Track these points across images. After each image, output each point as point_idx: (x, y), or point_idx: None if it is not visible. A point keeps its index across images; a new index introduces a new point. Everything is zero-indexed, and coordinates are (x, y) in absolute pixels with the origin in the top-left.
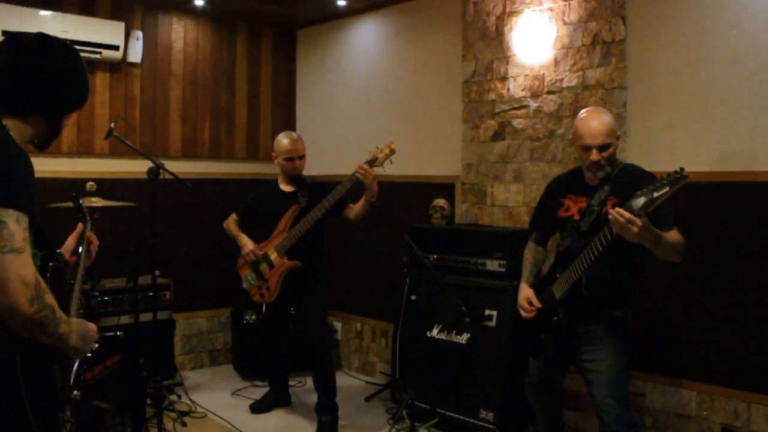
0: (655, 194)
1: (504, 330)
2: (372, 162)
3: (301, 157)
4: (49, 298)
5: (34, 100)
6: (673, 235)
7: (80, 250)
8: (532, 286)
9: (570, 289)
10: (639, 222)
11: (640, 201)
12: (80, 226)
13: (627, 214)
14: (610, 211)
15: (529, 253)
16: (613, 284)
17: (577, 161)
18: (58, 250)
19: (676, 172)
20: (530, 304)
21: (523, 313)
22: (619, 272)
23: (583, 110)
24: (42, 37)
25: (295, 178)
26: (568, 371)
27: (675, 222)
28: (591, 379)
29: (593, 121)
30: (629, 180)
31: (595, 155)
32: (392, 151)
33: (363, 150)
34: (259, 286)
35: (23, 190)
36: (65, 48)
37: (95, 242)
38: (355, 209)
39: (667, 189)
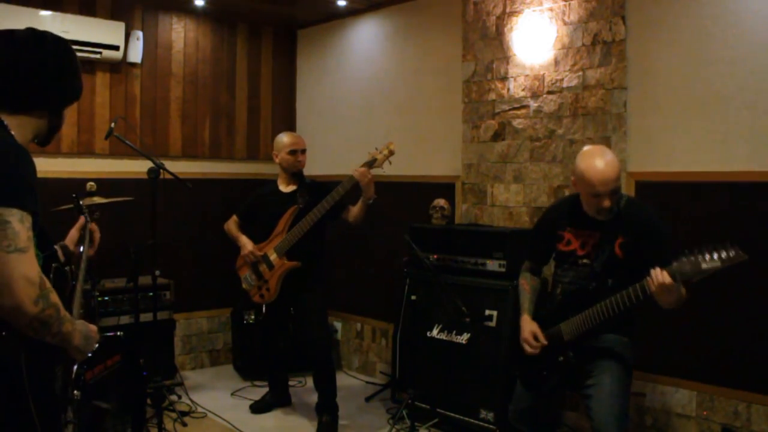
0: (704, 266)
1: (504, 330)
2: (371, 163)
3: (303, 152)
4: (54, 297)
5: (34, 95)
6: (684, 290)
7: (82, 249)
8: (534, 317)
9: (582, 333)
10: (676, 290)
11: (684, 268)
12: (82, 219)
13: (668, 280)
14: (653, 273)
15: (526, 282)
16: (620, 314)
17: (576, 186)
18: (62, 243)
19: (732, 250)
20: (535, 338)
21: (528, 348)
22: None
23: (585, 152)
24: (33, 31)
25: (295, 176)
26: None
27: None
28: (590, 394)
29: (601, 165)
30: (633, 216)
31: (607, 202)
32: (391, 152)
33: (363, 150)
34: (259, 286)
35: (26, 190)
36: (57, 40)
37: (97, 233)
38: (354, 211)
39: (718, 265)
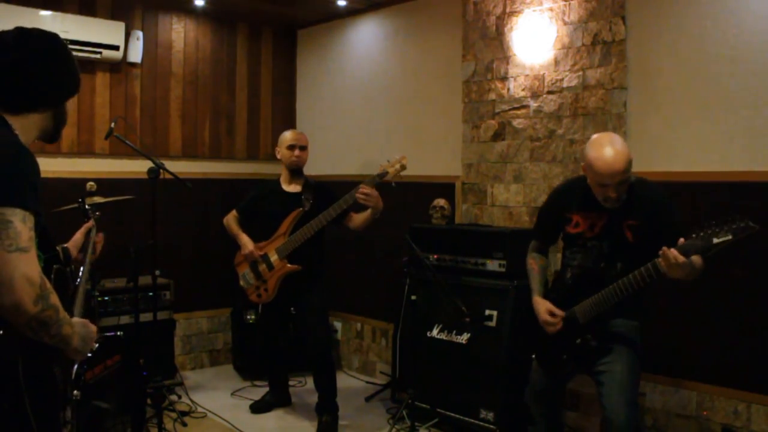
0: (715, 240)
1: (504, 330)
2: (382, 176)
3: (303, 149)
4: (54, 298)
5: (29, 94)
6: (699, 260)
7: (85, 254)
8: (544, 297)
9: (597, 315)
10: (688, 266)
11: (696, 244)
12: (90, 222)
13: (681, 258)
14: (665, 252)
15: (534, 262)
16: (632, 296)
17: (580, 167)
18: (64, 245)
19: (742, 221)
20: (552, 315)
21: (549, 328)
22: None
23: (596, 140)
24: (20, 30)
25: (295, 173)
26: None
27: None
28: (603, 381)
29: (610, 157)
30: (642, 197)
31: (612, 192)
32: (403, 167)
33: (363, 150)
34: (257, 286)
35: (29, 190)
36: (43, 36)
37: (101, 243)
38: (358, 220)
39: (730, 237)
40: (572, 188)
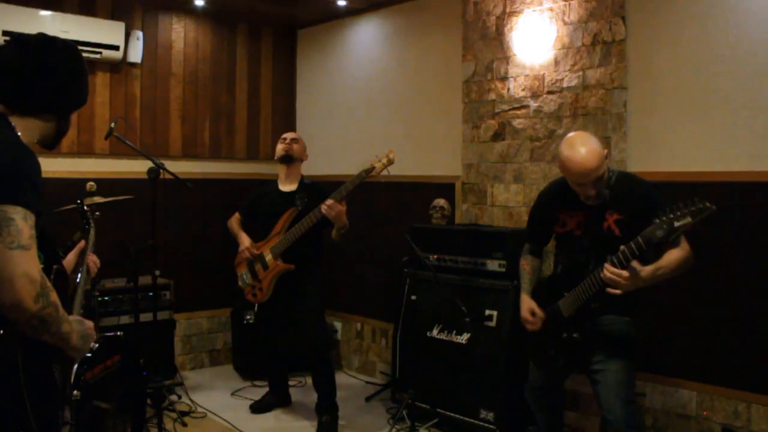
0: (676, 224)
1: (504, 330)
2: (369, 171)
3: (294, 140)
4: (54, 296)
5: (42, 99)
6: (673, 256)
7: (82, 255)
8: (532, 294)
9: (579, 309)
10: (625, 274)
11: (658, 233)
12: (82, 243)
13: (610, 272)
14: (605, 269)
15: (526, 263)
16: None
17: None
18: (56, 267)
19: (700, 203)
20: (533, 314)
21: (528, 326)
22: None
23: (567, 140)
24: (45, 36)
25: (286, 160)
26: (570, 375)
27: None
28: (598, 380)
29: (579, 157)
30: (627, 191)
31: (591, 191)
32: (390, 161)
33: (363, 150)
34: (253, 285)
35: (31, 189)
36: (68, 46)
37: (96, 264)
38: (332, 233)
39: (689, 220)
40: (558, 188)
